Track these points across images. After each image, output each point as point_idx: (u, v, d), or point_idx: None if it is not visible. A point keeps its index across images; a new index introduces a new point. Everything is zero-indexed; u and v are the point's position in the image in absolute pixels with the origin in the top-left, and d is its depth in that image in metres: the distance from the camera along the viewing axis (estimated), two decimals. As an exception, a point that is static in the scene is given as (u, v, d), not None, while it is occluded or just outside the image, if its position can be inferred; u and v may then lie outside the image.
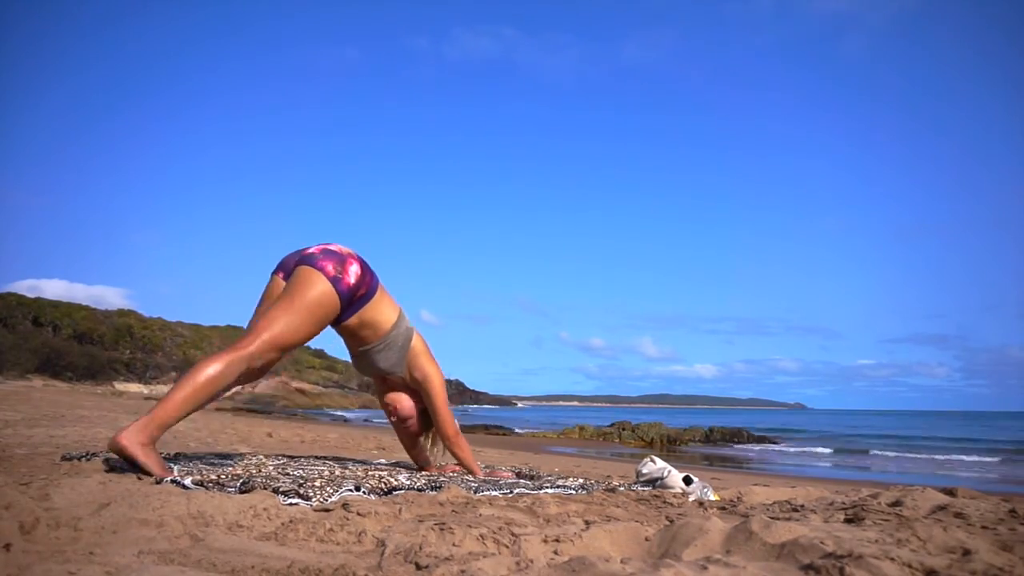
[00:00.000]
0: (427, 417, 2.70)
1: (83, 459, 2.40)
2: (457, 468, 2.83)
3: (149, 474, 1.90)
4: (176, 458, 2.53)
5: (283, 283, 2.38)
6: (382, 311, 2.48)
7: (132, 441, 1.93)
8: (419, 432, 2.75)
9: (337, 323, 2.41)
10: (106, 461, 2.28)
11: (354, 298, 2.36)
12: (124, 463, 1.99)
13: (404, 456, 3.74)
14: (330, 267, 2.28)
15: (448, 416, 2.62)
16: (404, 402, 2.66)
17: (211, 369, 2.04)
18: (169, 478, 1.86)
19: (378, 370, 2.60)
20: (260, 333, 2.15)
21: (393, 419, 2.70)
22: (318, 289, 2.25)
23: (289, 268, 2.38)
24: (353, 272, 2.33)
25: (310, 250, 2.36)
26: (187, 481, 1.84)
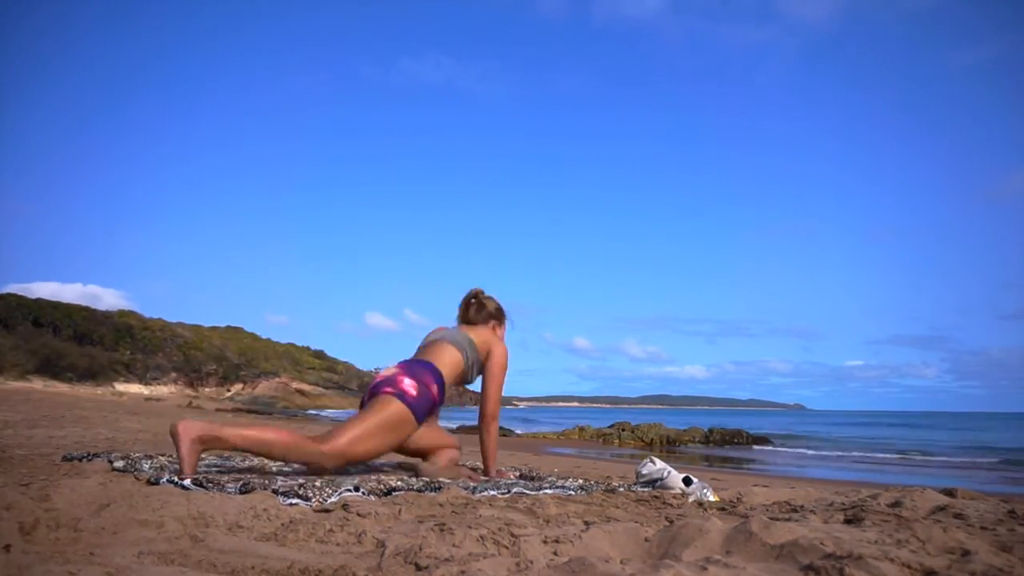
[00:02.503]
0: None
1: (84, 460, 2.40)
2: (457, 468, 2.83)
3: (178, 470, 1.97)
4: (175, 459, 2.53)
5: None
6: (452, 369, 2.66)
7: (189, 431, 2.00)
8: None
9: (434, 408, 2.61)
10: (108, 461, 2.29)
11: (428, 406, 2.51)
12: (130, 465, 2.00)
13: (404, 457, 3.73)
14: (390, 389, 2.44)
15: (499, 396, 2.76)
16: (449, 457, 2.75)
17: (287, 439, 2.14)
18: (169, 478, 1.86)
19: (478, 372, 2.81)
20: (338, 435, 2.26)
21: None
22: (391, 407, 2.41)
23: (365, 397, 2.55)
24: (409, 384, 2.47)
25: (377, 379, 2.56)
26: (186, 481, 1.84)
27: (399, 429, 2.41)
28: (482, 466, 2.81)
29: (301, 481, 1.97)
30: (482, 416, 2.74)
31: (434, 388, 2.55)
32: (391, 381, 2.47)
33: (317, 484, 1.93)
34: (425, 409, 2.50)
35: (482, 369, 2.78)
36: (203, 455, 2.18)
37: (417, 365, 2.58)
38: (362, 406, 2.53)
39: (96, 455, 2.48)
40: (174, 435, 2.01)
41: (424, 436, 2.65)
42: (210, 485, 1.84)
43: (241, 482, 1.88)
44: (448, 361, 2.65)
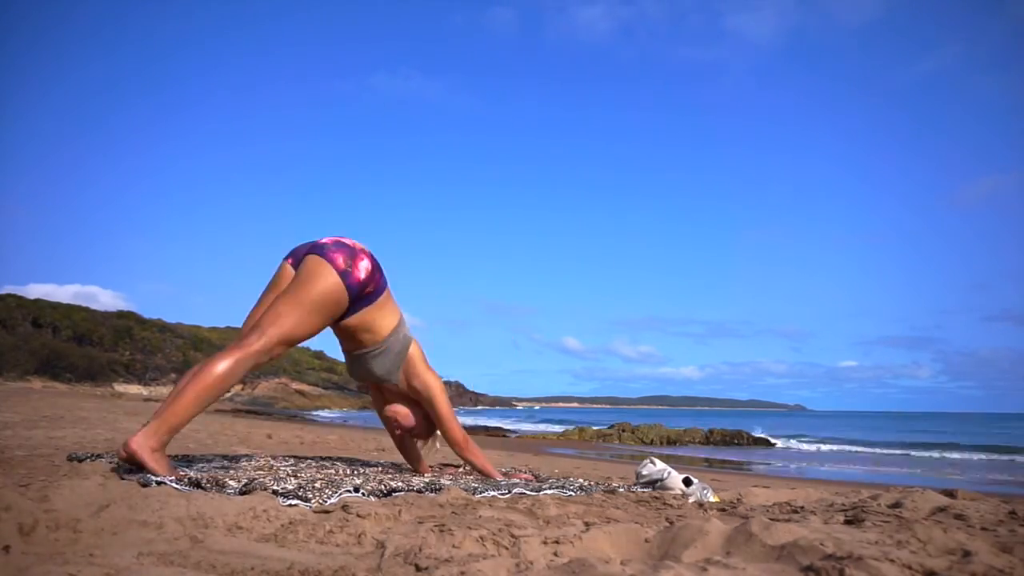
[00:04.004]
0: (429, 422, 2.64)
1: (89, 460, 2.40)
2: (455, 470, 2.81)
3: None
4: (185, 460, 2.53)
5: (292, 271, 2.34)
6: (384, 314, 2.42)
7: (142, 446, 1.92)
8: (425, 439, 2.69)
9: (339, 319, 2.34)
10: (111, 462, 2.28)
11: (361, 294, 2.31)
12: (130, 466, 1.99)
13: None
14: (340, 259, 2.24)
15: (454, 423, 2.56)
16: (403, 411, 2.59)
17: (219, 368, 2.00)
18: (169, 479, 1.85)
19: (372, 377, 2.52)
20: (266, 329, 2.10)
21: (398, 432, 2.64)
22: (327, 282, 2.20)
23: (300, 256, 2.35)
24: (363, 267, 2.28)
25: (322, 241, 2.32)
26: (184, 482, 1.84)
27: (333, 308, 2.24)
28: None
29: (301, 482, 1.96)
30: (454, 447, 2.57)
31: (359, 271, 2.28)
32: (320, 248, 2.27)
33: (317, 485, 1.93)
34: (356, 290, 2.28)
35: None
36: (189, 455, 2.14)
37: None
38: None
39: (101, 456, 2.47)
40: (131, 456, 1.91)
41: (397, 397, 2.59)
42: (209, 486, 1.83)
43: (241, 483, 1.88)
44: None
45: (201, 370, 2.02)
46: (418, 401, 2.58)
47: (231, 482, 1.89)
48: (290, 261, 2.41)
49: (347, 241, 2.34)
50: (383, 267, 2.43)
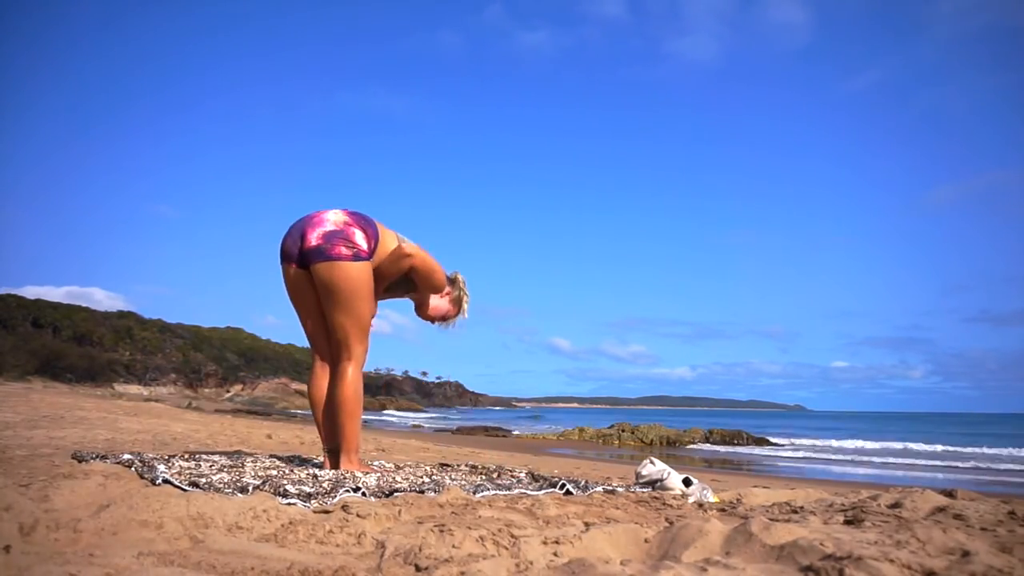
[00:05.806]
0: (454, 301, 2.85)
1: (94, 460, 2.39)
2: (452, 470, 2.80)
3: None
4: (190, 460, 2.53)
5: (300, 273, 2.48)
6: (390, 246, 2.60)
7: (354, 466, 2.43)
8: (454, 316, 2.89)
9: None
10: (115, 462, 2.28)
11: (372, 254, 2.50)
12: (123, 465, 1.99)
13: (403, 457, 3.73)
14: (343, 249, 2.39)
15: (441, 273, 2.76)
16: (435, 305, 2.82)
17: (353, 385, 2.40)
18: (166, 478, 1.86)
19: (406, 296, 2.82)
20: (348, 340, 2.43)
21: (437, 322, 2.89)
22: (355, 277, 2.41)
23: (294, 255, 2.46)
24: (360, 237, 2.45)
25: (313, 243, 2.42)
26: (184, 483, 1.84)
27: (372, 287, 2.48)
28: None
29: (317, 481, 1.97)
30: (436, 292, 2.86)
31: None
32: (317, 253, 2.43)
33: (325, 486, 1.93)
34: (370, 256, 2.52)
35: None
36: (215, 455, 2.27)
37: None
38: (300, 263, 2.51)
39: (105, 457, 2.47)
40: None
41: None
42: (208, 486, 1.83)
43: (240, 483, 1.88)
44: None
45: (346, 395, 2.40)
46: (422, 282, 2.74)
47: (252, 481, 1.89)
48: (293, 267, 2.48)
49: (328, 225, 2.43)
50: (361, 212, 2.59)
